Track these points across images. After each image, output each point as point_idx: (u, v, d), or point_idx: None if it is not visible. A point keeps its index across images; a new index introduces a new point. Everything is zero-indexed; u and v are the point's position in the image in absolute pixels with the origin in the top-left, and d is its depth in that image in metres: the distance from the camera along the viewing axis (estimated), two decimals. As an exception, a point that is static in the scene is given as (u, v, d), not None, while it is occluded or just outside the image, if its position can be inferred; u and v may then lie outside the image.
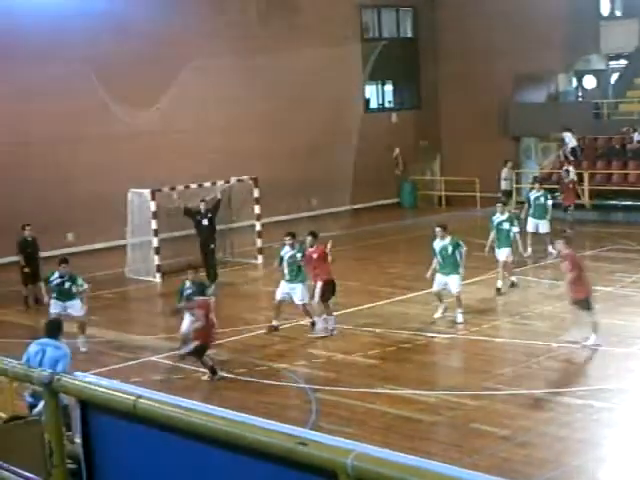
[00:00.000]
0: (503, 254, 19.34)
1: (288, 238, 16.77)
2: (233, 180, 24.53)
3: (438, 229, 17.20)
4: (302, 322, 17.16)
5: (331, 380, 14.03)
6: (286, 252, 16.68)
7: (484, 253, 19.57)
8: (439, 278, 17.11)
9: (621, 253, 23.01)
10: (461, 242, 17.29)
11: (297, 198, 29.77)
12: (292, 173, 29.77)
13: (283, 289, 16.69)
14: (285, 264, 16.61)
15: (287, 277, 16.60)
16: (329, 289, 16.54)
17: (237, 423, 3.52)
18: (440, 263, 17.05)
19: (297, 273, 16.56)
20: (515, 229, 19.52)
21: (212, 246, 21.68)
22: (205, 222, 21.77)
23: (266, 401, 13.28)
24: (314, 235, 17.00)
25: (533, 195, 23.27)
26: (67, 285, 16.16)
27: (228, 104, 28.84)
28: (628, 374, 13.78)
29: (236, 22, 29.24)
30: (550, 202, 23.10)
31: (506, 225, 19.44)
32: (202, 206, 21.97)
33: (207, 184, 23.94)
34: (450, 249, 16.92)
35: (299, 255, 16.56)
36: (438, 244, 17.14)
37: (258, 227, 24.42)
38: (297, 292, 16.51)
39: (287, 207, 28.99)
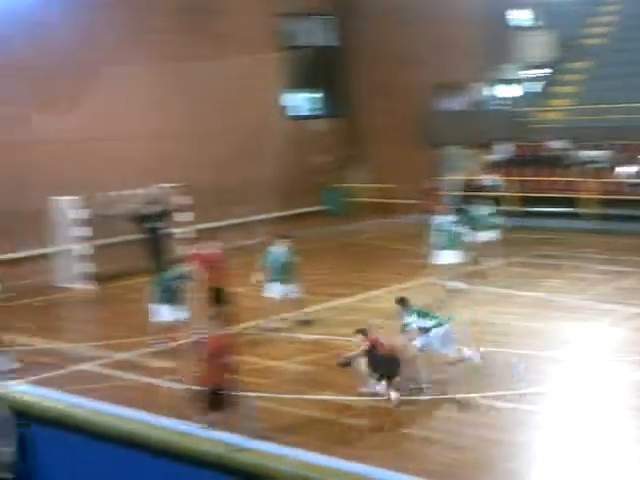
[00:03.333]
0: (451, 257, 19.78)
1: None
2: (160, 187, 24.38)
3: None
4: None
5: (265, 387, 13.99)
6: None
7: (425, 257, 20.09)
8: None
9: (544, 259, 23.49)
10: None
11: (222, 206, 29.58)
12: (216, 181, 29.56)
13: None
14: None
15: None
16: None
17: (172, 431, 3.51)
18: None
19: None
20: (459, 229, 19.91)
21: (161, 248, 21.78)
22: (156, 225, 21.98)
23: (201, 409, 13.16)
24: None
25: (481, 212, 22.61)
26: None
27: (149, 111, 28.53)
28: (553, 378, 14.07)
29: (156, 28, 28.94)
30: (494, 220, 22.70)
31: (449, 226, 19.87)
32: (152, 209, 22.42)
33: (129, 192, 23.88)
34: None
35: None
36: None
37: (186, 235, 24.25)
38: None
39: (212, 215, 28.78)
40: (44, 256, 23.49)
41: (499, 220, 22.63)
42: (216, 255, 17.33)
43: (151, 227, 22.23)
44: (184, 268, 16.73)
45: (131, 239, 23.73)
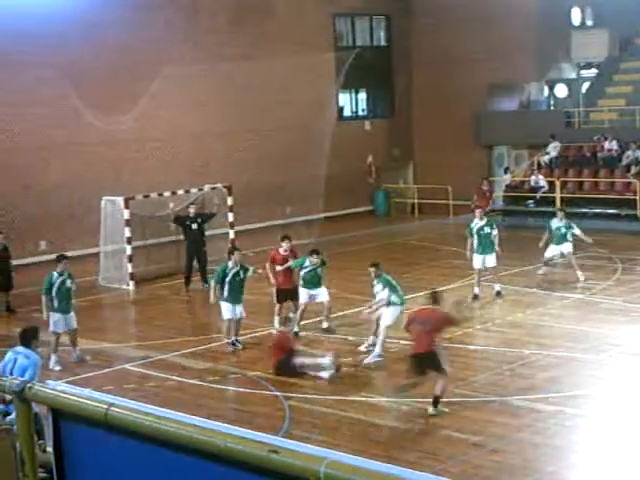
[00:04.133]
0: (491, 260, 19.48)
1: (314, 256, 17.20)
2: (207, 187, 24.58)
3: None
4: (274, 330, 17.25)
5: (304, 387, 14.03)
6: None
7: (467, 259, 19.88)
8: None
9: (592, 260, 23.17)
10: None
11: (270, 206, 29.76)
12: (265, 181, 29.76)
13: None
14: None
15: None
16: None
17: (208, 431, 3.51)
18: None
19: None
20: (495, 232, 19.56)
21: (204, 249, 21.94)
22: (194, 226, 22.08)
23: (239, 409, 13.27)
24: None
25: (555, 224, 21.12)
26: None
27: (201, 111, 28.80)
28: (598, 381, 13.89)
29: (208, 29, 29.23)
30: (571, 231, 21.02)
31: (487, 230, 19.53)
32: (191, 210, 22.37)
33: (181, 192, 24.13)
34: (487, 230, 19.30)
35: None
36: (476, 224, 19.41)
37: (231, 235, 24.47)
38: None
39: (260, 215, 28.97)
40: (92, 256, 23.76)
41: (574, 232, 21.16)
42: (285, 256, 17.48)
43: (191, 230, 22.19)
44: (244, 265, 16.72)
45: (176, 240, 23.92)
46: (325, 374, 14.37)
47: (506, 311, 18.75)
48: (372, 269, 15.80)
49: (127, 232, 22.76)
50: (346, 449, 10.39)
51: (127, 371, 15.43)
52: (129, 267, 22.74)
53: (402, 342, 16.14)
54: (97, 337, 17.93)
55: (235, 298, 16.21)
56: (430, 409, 12.40)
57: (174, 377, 14.81)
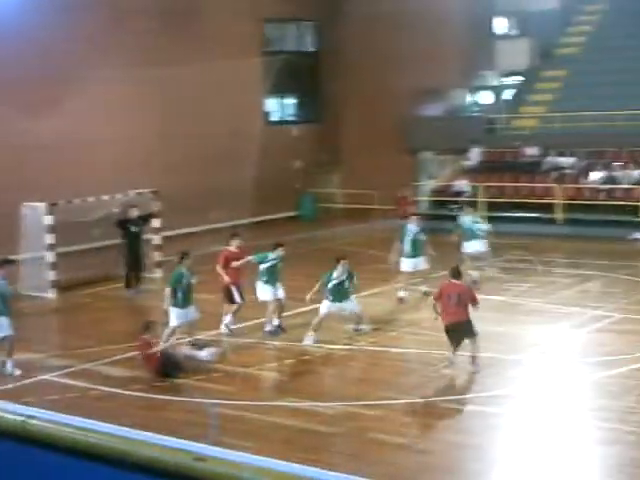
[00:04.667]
0: (422, 263, 19.94)
1: None
2: (133, 193, 24.30)
3: None
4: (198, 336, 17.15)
5: (231, 394, 13.98)
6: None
7: (389, 264, 20.18)
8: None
9: (513, 263, 23.65)
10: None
11: (197, 211, 29.52)
12: (191, 186, 29.53)
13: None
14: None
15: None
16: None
17: (131, 440, 3.49)
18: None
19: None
20: (424, 236, 20.05)
21: (141, 252, 22.24)
22: (136, 229, 22.15)
23: (165, 417, 13.14)
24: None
25: (465, 221, 21.86)
26: None
27: (128, 115, 28.48)
28: (517, 381, 14.18)
29: (136, 33, 28.90)
30: (479, 227, 21.67)
31: (419, 235, 19.98)
32: (134, 212, 22.44)
33: (106, 197, 23.77)
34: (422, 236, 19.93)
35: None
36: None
37: (157, 241, 24.24)
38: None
39: (187, 220, 28.73)
40: (11, 263, 23.23)
41: (486, 229, 21.74)
42: (238, 253, 17.64)
43: (132, 232, 22.18)
44: (187, 268, 16.53)
45: (100, 246, 23.60)
46: (206, 355, 15.41)
47: (430, 314, 18.94)
48: (345, 262, 17.14)
49: (49, 239, 22.36)
50: (272, 455, 10.38)
51: (48, 382, 15.15)
52: (51, 275, 22.35)
53: (327, 346, 16.28)
54: (17, 347, 17.54)
55: (186, 302, 16.19)
56: (471, 367, 14.34)
57: (97, 386, 14.61)
